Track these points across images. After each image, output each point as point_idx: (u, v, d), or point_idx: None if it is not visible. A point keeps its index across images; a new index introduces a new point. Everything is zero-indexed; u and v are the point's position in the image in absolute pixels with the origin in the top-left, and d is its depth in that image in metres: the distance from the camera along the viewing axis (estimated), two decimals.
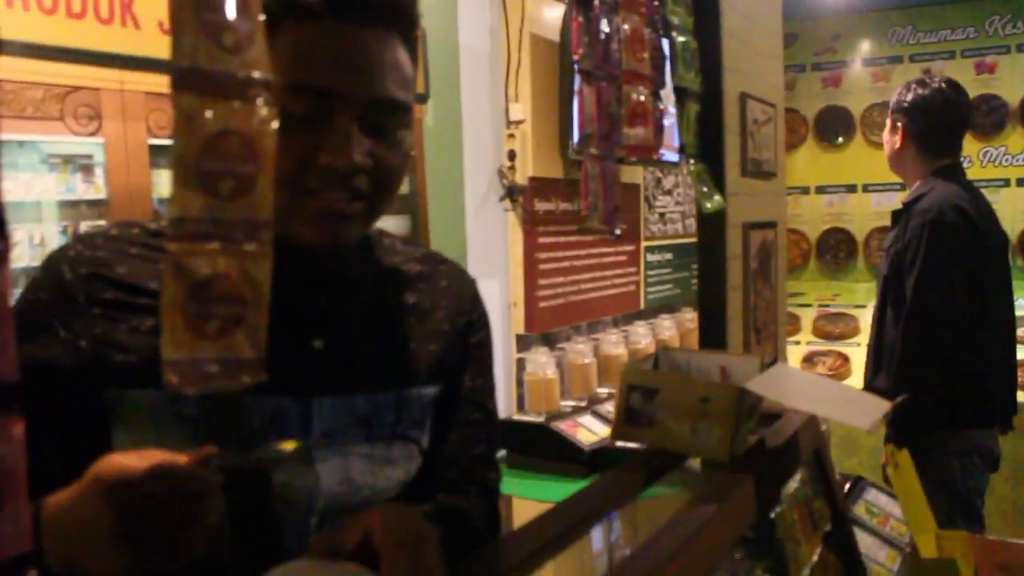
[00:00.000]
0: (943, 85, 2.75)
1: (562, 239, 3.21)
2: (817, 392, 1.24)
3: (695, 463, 1.50)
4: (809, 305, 4.90)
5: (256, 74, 0.72)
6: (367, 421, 1.02)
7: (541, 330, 3.12)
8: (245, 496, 0.96)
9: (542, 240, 3.12)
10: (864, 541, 1.65)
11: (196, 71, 0.69)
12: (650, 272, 3.87)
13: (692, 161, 1.62)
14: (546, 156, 3.09)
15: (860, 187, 5.11)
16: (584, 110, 1.27)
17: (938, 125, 2.73)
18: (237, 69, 0.71)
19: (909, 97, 2.76)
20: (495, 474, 1.24)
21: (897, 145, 2.80)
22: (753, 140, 1.81)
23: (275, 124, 0.74)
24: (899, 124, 2.77)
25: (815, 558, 1.29)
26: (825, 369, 4.22)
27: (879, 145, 4.73)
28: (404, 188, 2.75)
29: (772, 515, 1.21)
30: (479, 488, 1.19)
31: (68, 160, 1.86)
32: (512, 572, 0.84)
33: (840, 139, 5.19)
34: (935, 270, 2.50)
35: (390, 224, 2.72)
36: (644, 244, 3.84)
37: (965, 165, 3.80)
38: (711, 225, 1.72)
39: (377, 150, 0.93)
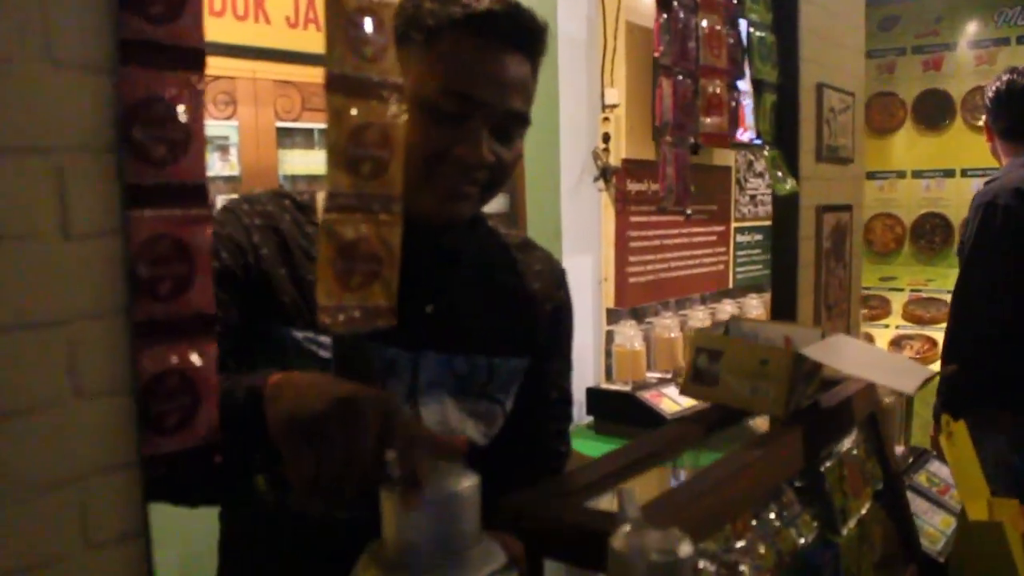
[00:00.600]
0: (1014, 74, 2.79)
1: (652, 219, 3.35)
2: (867, 359, 1.37)
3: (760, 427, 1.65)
4: (901, 289, 4.90)
5: (389, 79, 0.91)
6: (462, 379, 1.20)
7: (630, 305, 3.27)
8: None
9: (633, 219, 3.26)
10: (921, 506, 1.77)
11: (344, 77, 0.89)
12: (739, 252, 3.97)
13: (767, 147, 1.75)
14: (639, 139, 3.22)
15: (959, 172, 5.06)
16: (662, 102, 1.43)
17: (1012, 114, 2.78)
18: (375, 75, 0.90)
19: (990, 91, 2.82)
20: (566, 447, 1.41)
21: (987, 139, 2.89)
22: (829, 127, 1.93)
23: (404, 118, 0.93)
24: (984, 118, 2.87)
25: (863, 511, 1.42)
26: (912, 353, 4.24)
27: (979, 129, 4.70)
28: None
29: (822, 469, 1.35)
30: (550, 456, 1.37)
31: (208, 141, 2.09)
32: (572, 495, 1.00)
33: (947, 121, 5.13)
34: (982, 250, 2.57)
35: (491, 202, 2.91)
36: (734, 225, 3.94)
37: None
38: (785, 207, 1.84)
39: (499, 151, 1.12)
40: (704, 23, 1.53)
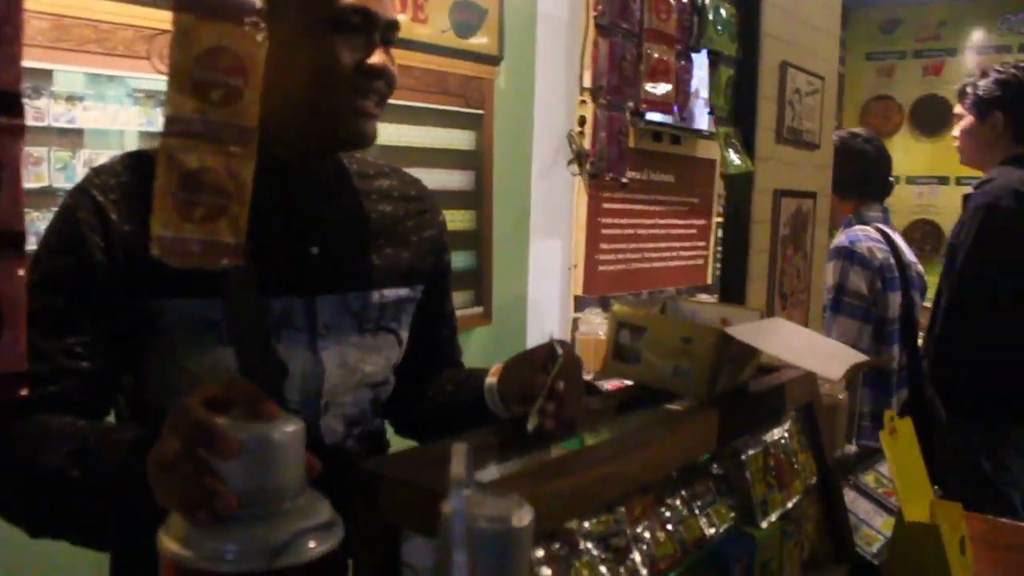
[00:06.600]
0: None
1: (627, 206, 3.26)
2: (797, 343, 1.29)
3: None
4: None
5: (247, 1, 0.83)
6: (357, 316, 1.19)
7: (599, 293, 3.19)
8: (265, 387, 1.10)
9: (606, 206, 3.18)
10: (863, 507, 1.69)
11: None
12: (721, 248, 3.87)
13: (720, 123, 1.67)
14: None
15: (953, 180, 4.97)
16: (598, 63, 1.35)
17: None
18: None
19: (1005, 82, 2.71)
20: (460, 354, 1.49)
21: (992, 134, 2.73)
22: (793, 108, 1.85)
23: (264, 45, 0.85)
24: (995, 112, 2.72)
25: (790, 505, 1.34)
26: None
27: None
28: (470, 144, 2.86)
29: (743, 457, 1.27)
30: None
31: (150, 95, 2.02)
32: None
33: (944, 128, 5.02)
34: (982, 253, 2.50)
35: (455, 178, 2.84)
36: (716, 220, 3.84)
37: None
38: (738, 188, 1.77)
39: (388, 60, 1.14)
40: None
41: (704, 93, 1.76)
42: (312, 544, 0.65)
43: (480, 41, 2.79)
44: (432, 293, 1.34)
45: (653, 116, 3.09)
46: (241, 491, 0.65)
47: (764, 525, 1.26)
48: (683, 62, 1.54)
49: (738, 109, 1.71)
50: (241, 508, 0.65)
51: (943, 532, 1.46)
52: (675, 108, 1.55)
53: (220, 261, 0.84)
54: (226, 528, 0.64)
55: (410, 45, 2.50)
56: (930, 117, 5.09)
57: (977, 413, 2.59)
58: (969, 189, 2.81)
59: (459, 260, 2.89)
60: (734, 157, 1.66)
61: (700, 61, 1.67)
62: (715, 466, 1.25)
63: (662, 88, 1.46)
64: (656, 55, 1.44)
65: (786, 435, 1.40)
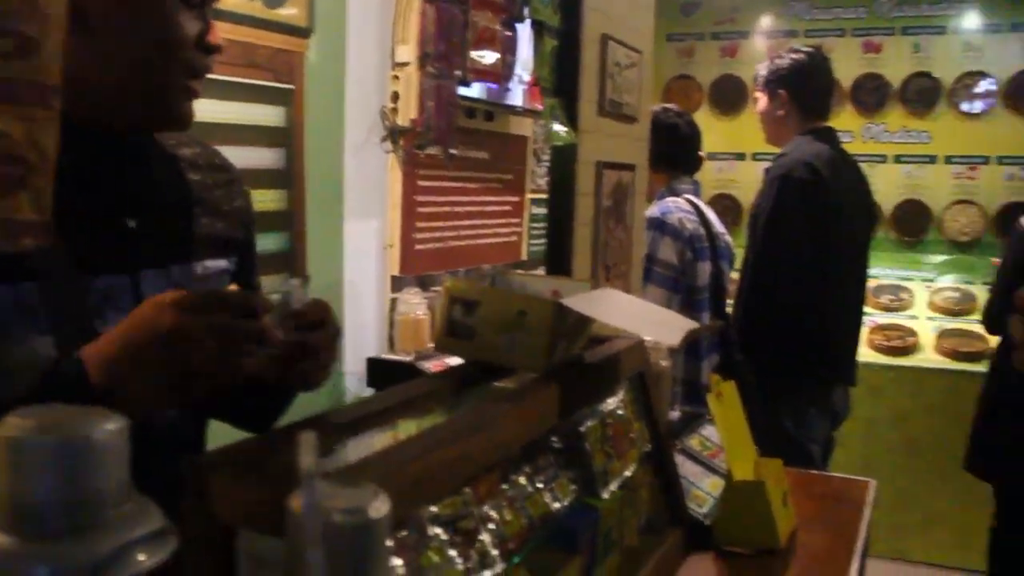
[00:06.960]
0: (815, 51, 2.93)
1: (443, 184, 3.22)
2: (632, 312, 1.30)
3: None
4: None
5: None
6: (182, 289, 1.07)
7: (416, 272, 3.14)
8: None
9: (422, 184, 3.12)
10: (691, 469, 1.74)
11: None
12: (534, 224, 3.90)
13: (546, 95, 1.66)
14: None
15: (749, 155, 5.26)
16: (424, 29, 1.30)
17: (816, 86, 2.90)
18: None
19: (786, 64, 2.90)
20: None
21: (780, 112, 2.93)
22: (613, 81, 1.86)
23: None
24: (780, 91, 2.91)
25: (628, 473, 1.35)
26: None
27: None
28: (280, 121, 2.72)
29: (582, 428, 1.26)
30: None
31: None
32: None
33: (740, 107, 5.31)
34: (779, 222, 2.65)
35: (264, 156, 2.69)
36: (529, 196, 3.86)
37: (847, 140, 3.98)
38: (563, 160, 1.77)
39: None
40: None
41: (519, 69, 1.74)
42: (141, 557, 0.57)
43: (289, 12, 2.66)
44: (243, 266, 1.29)
45: (468, 92, 3.07)
46: (54, 502, 0.56)
47: (605, 495, 1.26)
48: (508, 32, 1.51)
49: (561, 81, 1.70)
50: (55, 522, 0.56)
51: (768, 488, 1.53)
52: (502, 78, 1.52)
53: (22, 242, 0.73)
54: (37, 545, 0.55)
55: (217, 15, 2.34)
56: (727, 96, 5.36)
57: (780, 374, 2.75)
58: (767, 164, 2.99)
59: (270, 242, 2.75)
60: (560, 129, 1.65)
61: (523, 33, 1.64)
62: (555, 440, 1.24)
63: (489, 57, 1.43)
64: (482, 23, 1.40)
65: (620, 404, 1.41)
